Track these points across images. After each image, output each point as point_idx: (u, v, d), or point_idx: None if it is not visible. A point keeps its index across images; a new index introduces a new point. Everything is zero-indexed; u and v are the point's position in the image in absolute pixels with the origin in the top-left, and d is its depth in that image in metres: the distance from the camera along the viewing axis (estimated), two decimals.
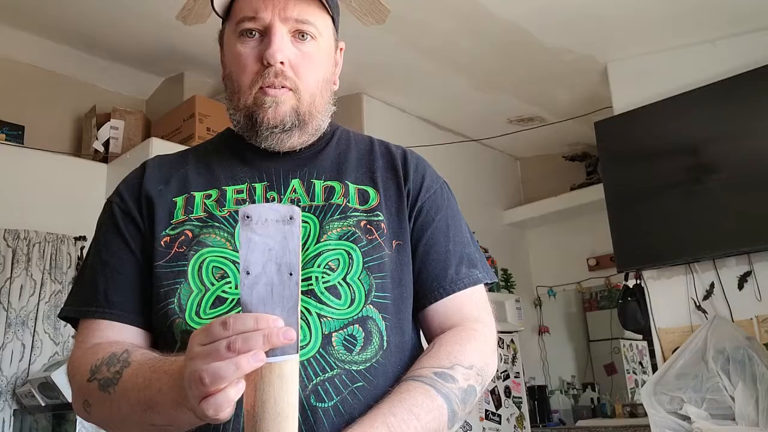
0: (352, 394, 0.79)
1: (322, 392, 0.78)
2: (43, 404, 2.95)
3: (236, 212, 0.86)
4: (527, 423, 3.92)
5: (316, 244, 0.85)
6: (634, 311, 3.43)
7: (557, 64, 3.62)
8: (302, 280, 0.81)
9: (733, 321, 2.96)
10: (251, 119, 0.88)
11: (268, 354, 0.57)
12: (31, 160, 3.45)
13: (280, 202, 0.86)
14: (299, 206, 0.86)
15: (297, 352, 0.59)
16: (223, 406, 0.57)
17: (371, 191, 0.91)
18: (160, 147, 3.49)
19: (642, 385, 3.44)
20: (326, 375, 0.79)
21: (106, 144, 3.69)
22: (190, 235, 0.85)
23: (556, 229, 4.84)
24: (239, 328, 0.57)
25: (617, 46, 3.46)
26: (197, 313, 0.81)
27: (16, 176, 3.37)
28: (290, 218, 0.58)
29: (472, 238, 0.98)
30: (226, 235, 0.86)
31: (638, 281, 3.43)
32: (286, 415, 0.58)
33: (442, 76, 3.74)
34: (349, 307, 0.82)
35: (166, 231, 0.86)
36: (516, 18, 3.16)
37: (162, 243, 0.85)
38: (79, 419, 2.85)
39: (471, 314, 0.90)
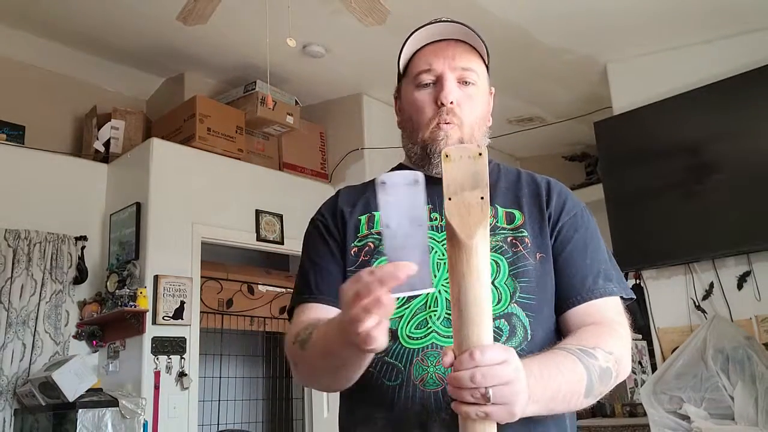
0: None
1: None
2: (43, 404, 2.96)
3: None
4: None
5: None
6: (633, 311, 3.43)
7: (557, 64, 3.62)
8: None
9: (732, 321, 2.97)
10: (426, 150, 1.11)
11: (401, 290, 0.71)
12: (31, 160, 3.45)
13: (441, 222, 1.07)
14: None
15: (431, 286, 0.73)
16: (369, 311, 0.70)
17: (517, 213, 1.11)
18: (161, 147, 3.49)
19: (642, 385, 3.43)
20: None
21: (107, 144, 3.69)
22: (372, 246, 1.09)
23: None
24: (381, 273, 0.71)
25: (617, 46, 3.46)
26: None
27: (17, 176, 3.37)
28: (416, 181, 0.72)
29: (610, 258, 1.14)
30: None
31: (638, 281, 3.44)
32: (485, 297, 0.74)
33: None
34: (496, 305, 1.00)
35: (354, 243, 1.11)
36: (516, 18, 3.17)
37: (352, 252, 1.10)
38: (79, 419, 2.85)
39: (608, 317, 1.05)
